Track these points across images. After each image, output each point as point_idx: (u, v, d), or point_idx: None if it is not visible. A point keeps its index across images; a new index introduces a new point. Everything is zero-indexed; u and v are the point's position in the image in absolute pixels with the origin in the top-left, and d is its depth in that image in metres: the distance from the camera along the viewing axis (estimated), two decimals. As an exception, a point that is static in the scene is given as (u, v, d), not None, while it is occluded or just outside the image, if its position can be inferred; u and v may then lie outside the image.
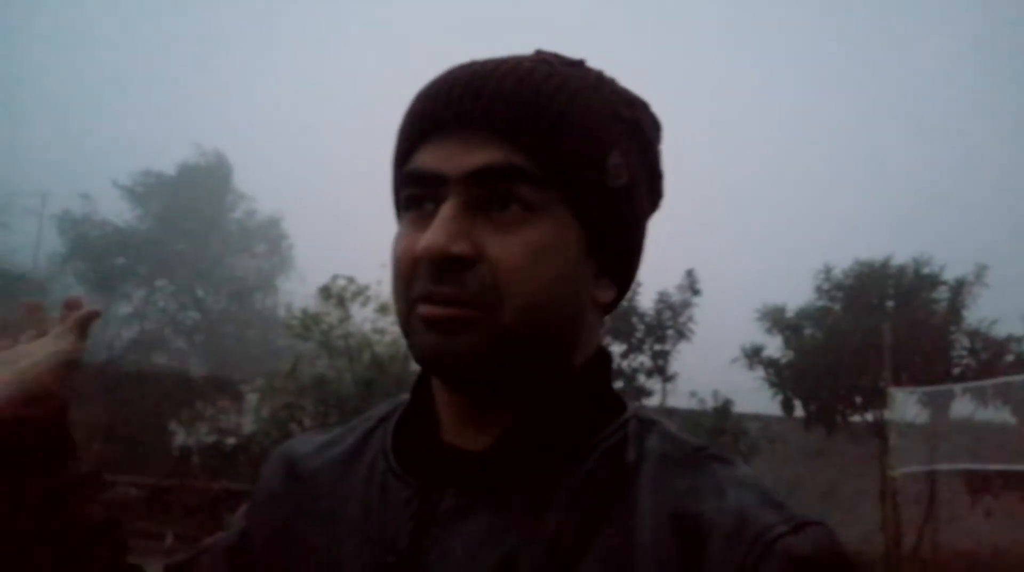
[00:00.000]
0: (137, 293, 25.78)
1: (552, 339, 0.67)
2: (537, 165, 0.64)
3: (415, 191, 0.67)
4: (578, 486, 0.64)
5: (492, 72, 0.66)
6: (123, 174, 25.75)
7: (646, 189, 0.73)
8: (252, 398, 11.72)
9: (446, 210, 0.63)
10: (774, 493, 0.63)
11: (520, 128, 0.65)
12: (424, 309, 0.64)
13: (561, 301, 0.66)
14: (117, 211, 25.24)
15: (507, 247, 0.63)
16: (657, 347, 11.32)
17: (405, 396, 0.81)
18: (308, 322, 10.88)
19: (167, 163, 26.72)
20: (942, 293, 11.87)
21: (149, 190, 25.61)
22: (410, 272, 0.65)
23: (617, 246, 0.71)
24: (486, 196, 0.64)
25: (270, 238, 28.38)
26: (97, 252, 24.47)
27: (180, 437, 11.82)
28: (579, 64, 0.71)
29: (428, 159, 0.66)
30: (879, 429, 10.43)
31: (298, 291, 20.94)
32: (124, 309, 26.06)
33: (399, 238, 0.68)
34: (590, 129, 0.67)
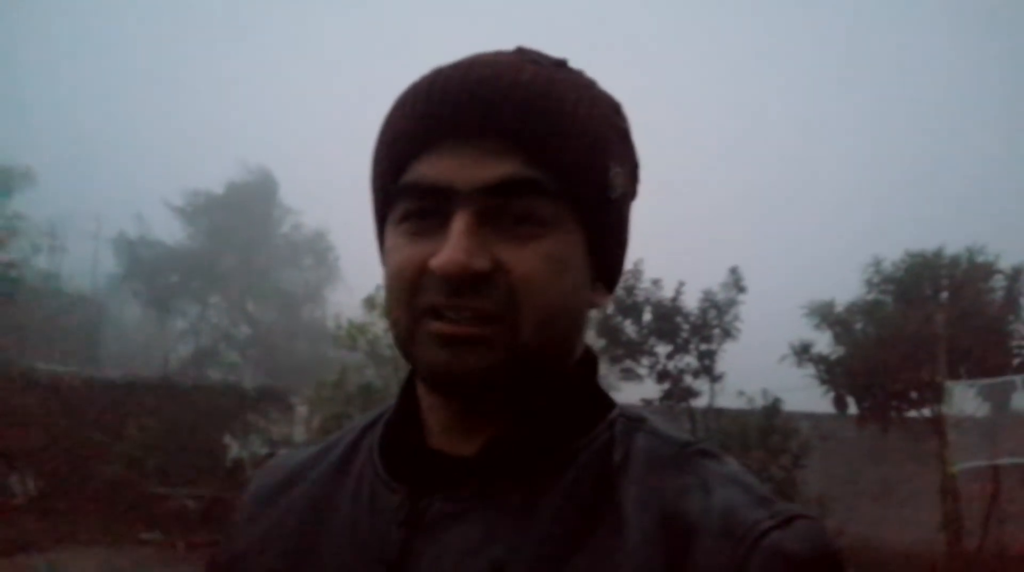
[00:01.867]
0: (191, 309, 26.50)
1: (562, 350, 0.68)
2: (551, 178, 0.64)
3: (417, 204, 0.65)
4: (566, 490, 0.64)
5: (498, 79, 0.65)
6: (173, 194, 26.47)
7: (632, 192, 0.73)
8: (302, 409, 11.93)
9: (460, 224, 0.62)
10: (762, 488, 0.64)
11: (534, 141, 0.63)
12: (437, 325, 0.63)
13: (572, 313, 0.67)
14: (169, 230, 26.00)
15: (524, 260, 0.63)
16: (703, 347, 11.14)
17: (389, 404, 0.81)
18: (354, 332, 11.02)
19: (215, 181, 27.49)
20: (998, 282, 11.49)
21: (198, 209, 26.34)
22: (414, 284, 0.64)
23: (614, 253, 0.72)
24: (499, 209, 0.63)
25: (317, 251, 28.86)
26: (152, 271, 25.22)
27: (234, 449, 12.03)
28: (564, 65, 0.70)
29: (434, 171, 0.64)
30: (936, 425, 10.14)
31: (346, 302, 21.19)
32: (180, 325, 26.76)
33: (397, 249, 0.66)
34: (596, 141, 0.66)
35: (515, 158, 0.63)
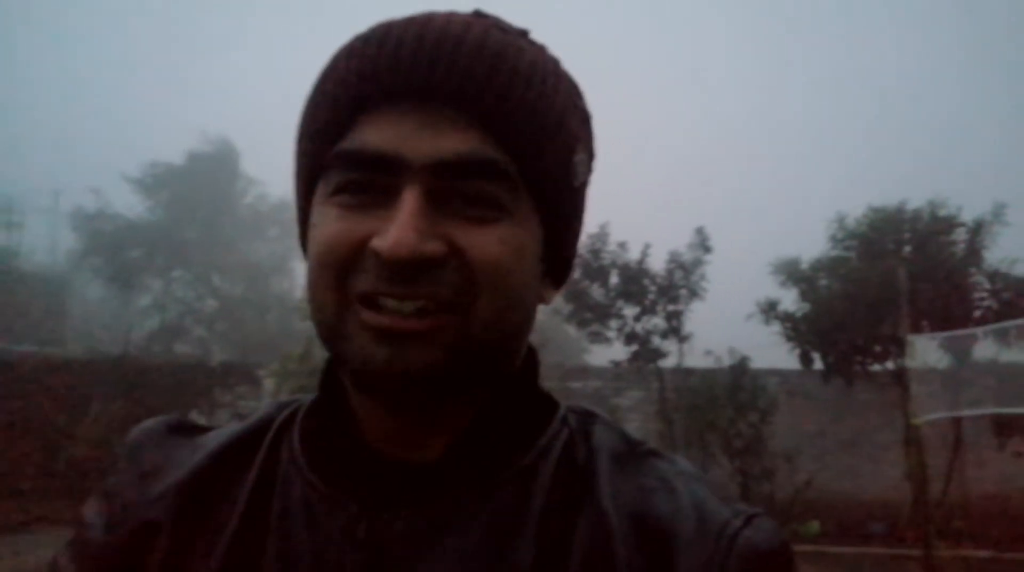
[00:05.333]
0: (155, 284, 26.08)
1: (512, 347, 0.61)
2: (511, 160, 0.57)
3: (357, 175, 0.56)
4: (545, 495, 0.60)
5: (462, 39, 0.56)
6: (131, 166, 25.90)
7: (588, 179, 0.66)
8: (269, 383, 11.80)
9: (410, 202, 0.54)
10: (716, 486, 0.63)
11: (498, 117, 0.56)
12: (374, 317, 0.55)
13: (526, 307, 0.61)
14: (128, 204, 25.47)
15: (483, 244, 0.56)
16: (670, 308, 11.20)
17: (297, 397, 0.71)
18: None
19: (174, 153, 26.92)
20: (960, 235, 11.62)
21: (158, 181, 25.81)
22: (347, 265, 0.56)
23: (569, 245, 0.65)
24: (451, 189, 0.56)
25: (283, 221, 28.49)
26: (112, 246, 24.74)
27: (201, 425, 11.92)
28: (526, 35, 0.62)
29: (380, 137, 0.55)
30: (900, 377, 10.28)
31: (313, 273, 20.95)
32: (144, 301, 26.34)
33: (327, 223, 0.57)
34: (561, 124, 0.60)
35: (474, 132, 0.56)
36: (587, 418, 0.67)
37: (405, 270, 0.54)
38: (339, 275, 0.56)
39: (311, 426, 0.65)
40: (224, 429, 0.69)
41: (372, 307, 0.55)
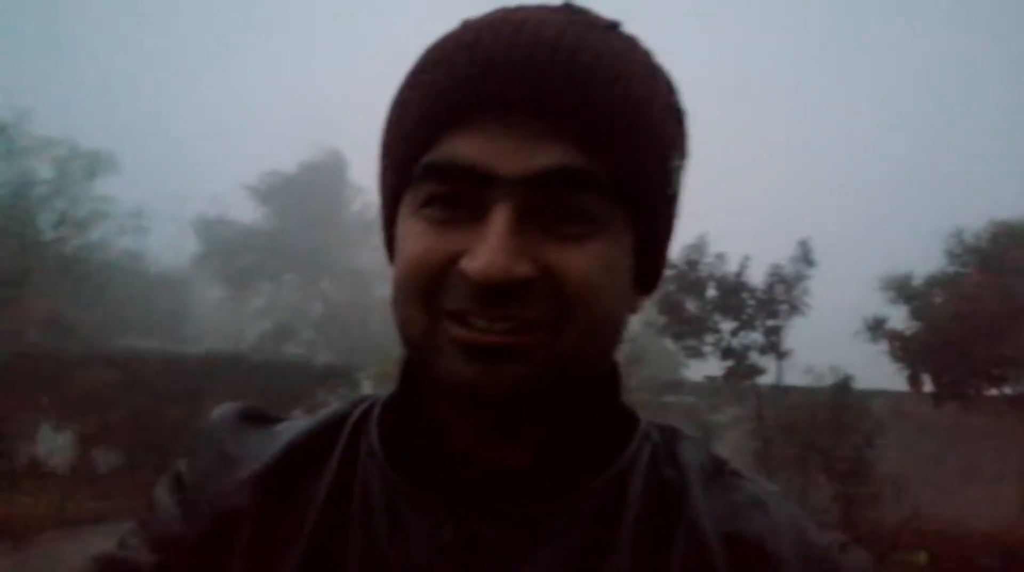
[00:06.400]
0: (267, 288, 27.26)
1: (603, 362, 0.60)
2: (609, 173, 0.54)
3: (447, 188, 0.55)
4: (635, 513, 0.59)
5: (558, 46, 0.53)
6: (249, 175, 27.23)
7: (684, 180, 0.64)
8: (368, 384, 12.15)
9: (500, 221, 0.52)
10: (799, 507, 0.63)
11: (595, 127, 0.54)
12: (464, 333, 0.54)
13: (618, 322, 0.59)
14: (244, 211, 26.74)
15: (576, 263, 0.54)
16: (770, 323, 10.84)
17: (371, 394, 0.71)
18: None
19: (288, 162, 28.10)
20: (1091, 251, 10.80)
21: (273, 189, 27.01)
22: (434, 281, 0.55)
23: (661, 253, 0.63)
24: (544, 204, 0.54)
25: (386, 229, 29.19)
26: (229, 251, 26.03)
27: (303, 425, 12.42)
28: (616, 27, 0.59)
29: (472, 150, 0.53)
30: (1020, 403, 9.64)
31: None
32: (257, 303, 27.60)
33: (417, 237, 0.55)
34: (657, 130, 0.57)
35: (568, 144, 0.53)
36: (670, 434, 0.65)
37: (496, 292, 0.52)
38: (427, 292, 0.55)
39: (391, 421, 0.64)
40: (297, 421, 0.69)
41: (462, 324, 0.54)
